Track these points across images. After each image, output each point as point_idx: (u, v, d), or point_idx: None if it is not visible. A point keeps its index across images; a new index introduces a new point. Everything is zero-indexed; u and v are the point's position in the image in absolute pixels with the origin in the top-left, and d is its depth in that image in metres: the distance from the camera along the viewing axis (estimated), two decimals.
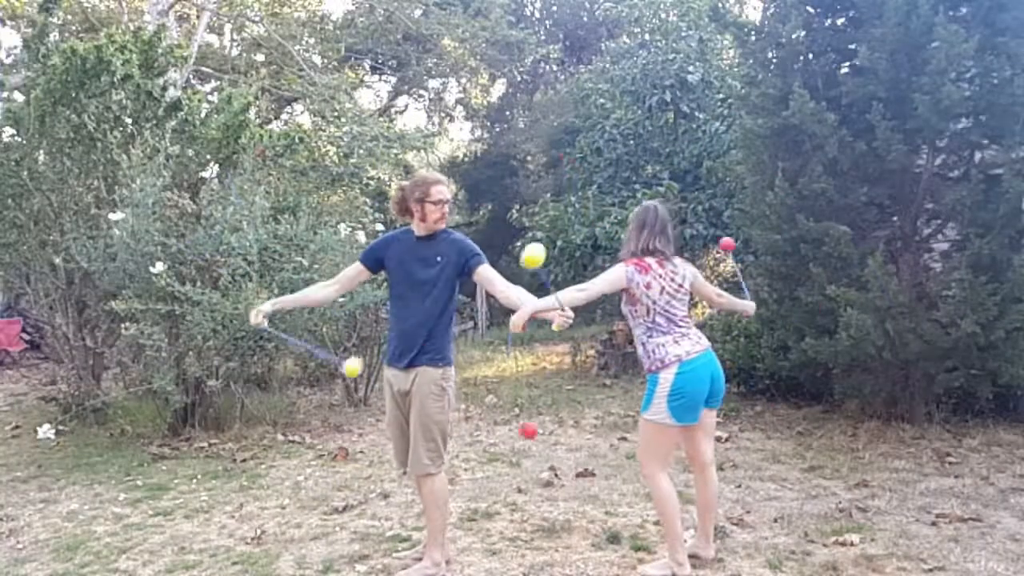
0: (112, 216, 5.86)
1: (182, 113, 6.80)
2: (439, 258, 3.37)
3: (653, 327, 3.29)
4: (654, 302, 3.27)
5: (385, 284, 3.48)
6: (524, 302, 3.17)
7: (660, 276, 3.29)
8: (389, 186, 13.88)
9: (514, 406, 7.47)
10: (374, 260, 3.56)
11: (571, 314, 3.08)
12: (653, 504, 3.44)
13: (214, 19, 16.29)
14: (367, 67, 19.18)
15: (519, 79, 20.61)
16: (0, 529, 4.22)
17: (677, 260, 3.41)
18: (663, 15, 11.11)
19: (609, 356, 9.62)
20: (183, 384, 6.06)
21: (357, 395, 7.73)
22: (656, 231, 3.34)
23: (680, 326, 3.31)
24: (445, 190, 3.43)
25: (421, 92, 21.36)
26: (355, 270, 3.62)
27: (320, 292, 3.81)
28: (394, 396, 3.43)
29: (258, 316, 3.49)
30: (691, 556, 3.38)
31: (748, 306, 3.78)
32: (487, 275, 3.38)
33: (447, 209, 3.41)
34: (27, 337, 11.67)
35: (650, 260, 3.32)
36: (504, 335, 14.09)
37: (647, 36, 11.82)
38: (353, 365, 3.61)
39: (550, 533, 3.87)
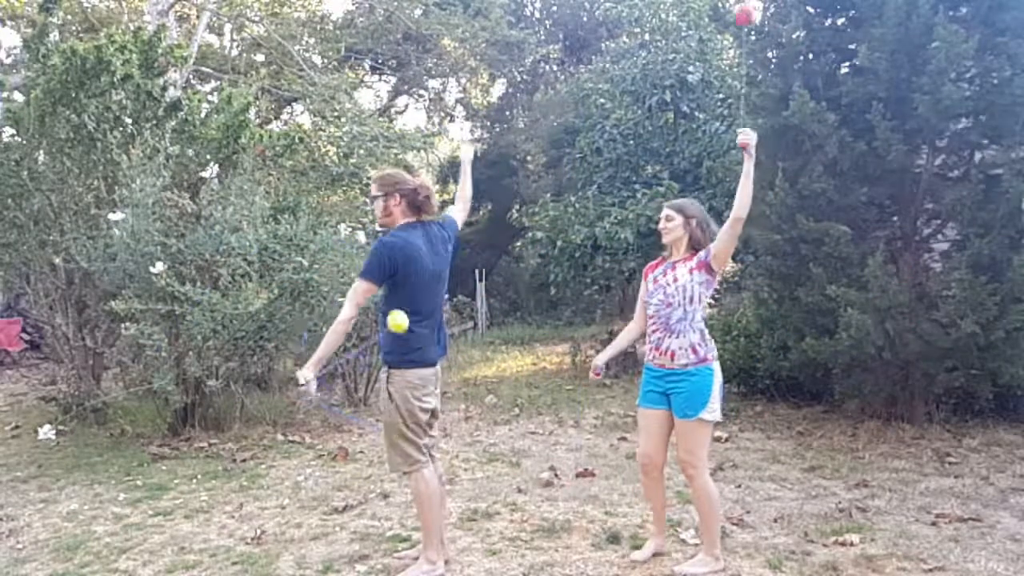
0: (112, 216, 5.86)
1: (182, 113, 6.80)
2: None
3: (705, 313, 3.41)
4: None
5: (383, 286, 3.48)
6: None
7: None
8: None
9: (514, 406, 7.47)
10: None
11: None
12: (700, 503, 3.38)
13: (214, 19, 16.28)
14: (367, 67, 19.15)
15: (519, 79, 20.59)
16: (0, 529, 4.22)
17: None
18: (663, 15, 11.10)
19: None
20: (183, 384, 6.06)
21: (357, 395, 7.73)
22: None
23: None
24: (371, 187, 3.53)
25: (421, 92, 21.34)
26: (358, 286, 3.66)
27: (339, 334, 3.52)
28: None
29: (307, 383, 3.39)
30: (656, 555, 3.48)
31: None
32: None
33: (373, 205, 3.52)
34: (27, 337, 11.66)
35: None
36: (502, 336, 14.08)
37: (647, 36, 11.82)
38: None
39: (550, 533, 3.86)
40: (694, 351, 3.30)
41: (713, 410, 3.29)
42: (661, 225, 3.47)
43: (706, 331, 3.38)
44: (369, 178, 13.19)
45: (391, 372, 3.36)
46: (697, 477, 3.34)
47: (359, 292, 3.35)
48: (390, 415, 3.36)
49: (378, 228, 3.58)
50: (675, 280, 3.36)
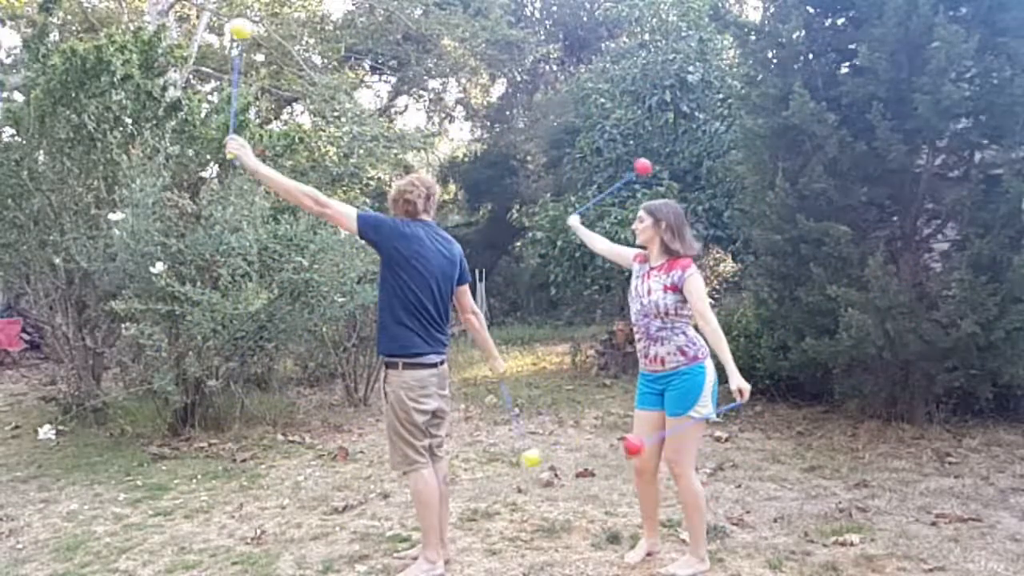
0: (112, 216, 5.86)
1: (182, 113, 6.80)
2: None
3: (690, 320, 3.36)
4: None
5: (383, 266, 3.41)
6: None
7: None
8: (389, 186, 13.87)
9: (514, 406, 7.47)
10: (373, 227, 3.30)
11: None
12: (685, 505, 3.37)
13: (214, 19, 16.29)
14: (367, 67, 19.15)
15: (519, 79, 20.59)
16: (0, 529, 4.22)
17: None
18: (663, 15, 11.12)
19: (609, 356, 9.61)
20: (183, 384, 6.06)
21: (357, 395, 7.73)
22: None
23: None
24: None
25: (421, 92, 21.33)
26: (350, 211, 3.31)
27: (302, 194, 3.22)
28: None
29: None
30: (649, 554, 3.48)
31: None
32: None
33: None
34: (27, 337, 11.66)
35: None
36: (502, 336, 14.07)
37: (647, 36, 11.84)
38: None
39: (550, 533, 3.86)
40: (682, 353, 3.29)
41: (703, 407, 3.26)
42: (634, 225, 3.51)
43: (691, 331, 3.33)
44: (371, 178, 13.26)
45: (388, 372, 3.36)
46: (683, 477, 3.32)
47: (341, 211, 3.24)
48: (387, 415, 3.38)
49: None
50: (649, 293, 3.34)
